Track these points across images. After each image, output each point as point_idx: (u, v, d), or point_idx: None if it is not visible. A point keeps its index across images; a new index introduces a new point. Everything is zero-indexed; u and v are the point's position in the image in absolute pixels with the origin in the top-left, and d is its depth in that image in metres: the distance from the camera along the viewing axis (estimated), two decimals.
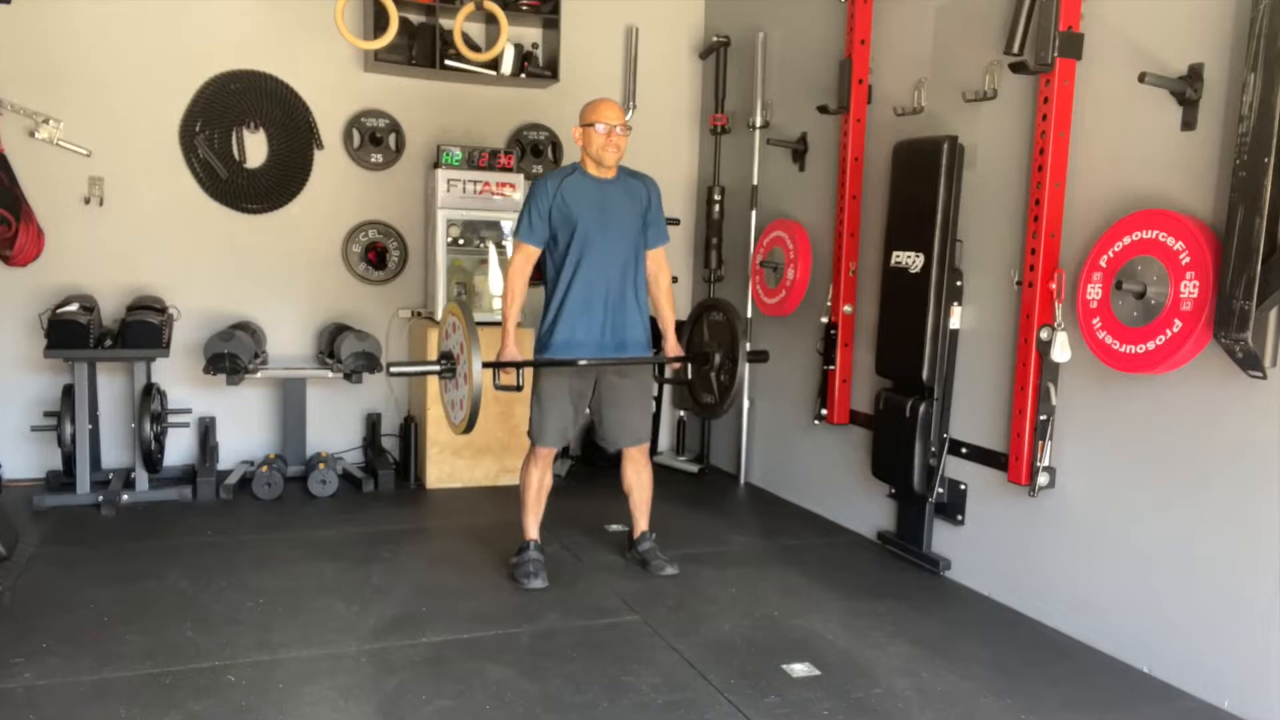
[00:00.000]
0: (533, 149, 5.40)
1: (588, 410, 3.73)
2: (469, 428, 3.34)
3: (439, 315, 4.87)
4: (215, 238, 4.95)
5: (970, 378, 3.70)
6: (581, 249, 3.52)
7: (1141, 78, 2.87)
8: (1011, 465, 3.42)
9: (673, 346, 3.80)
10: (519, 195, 4.86)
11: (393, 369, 3.50)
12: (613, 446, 3.77)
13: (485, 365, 3.28)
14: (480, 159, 4.95)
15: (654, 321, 3.83)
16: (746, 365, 3.57)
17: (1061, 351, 3.19)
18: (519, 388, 3.51)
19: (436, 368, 3.47)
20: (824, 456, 4.58)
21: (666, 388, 5.63)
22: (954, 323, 3.72)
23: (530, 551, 3.66)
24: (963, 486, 3.71)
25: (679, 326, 3.87)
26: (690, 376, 3.82)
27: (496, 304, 4.76)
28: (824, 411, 4.43)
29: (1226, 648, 2.79)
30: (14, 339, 4.68)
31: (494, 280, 4.99)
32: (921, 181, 3.71)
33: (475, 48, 5.01)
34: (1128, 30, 3.08)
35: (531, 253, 3.59)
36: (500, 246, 4.99)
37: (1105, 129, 3.17)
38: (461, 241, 4.96)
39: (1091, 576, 3.21)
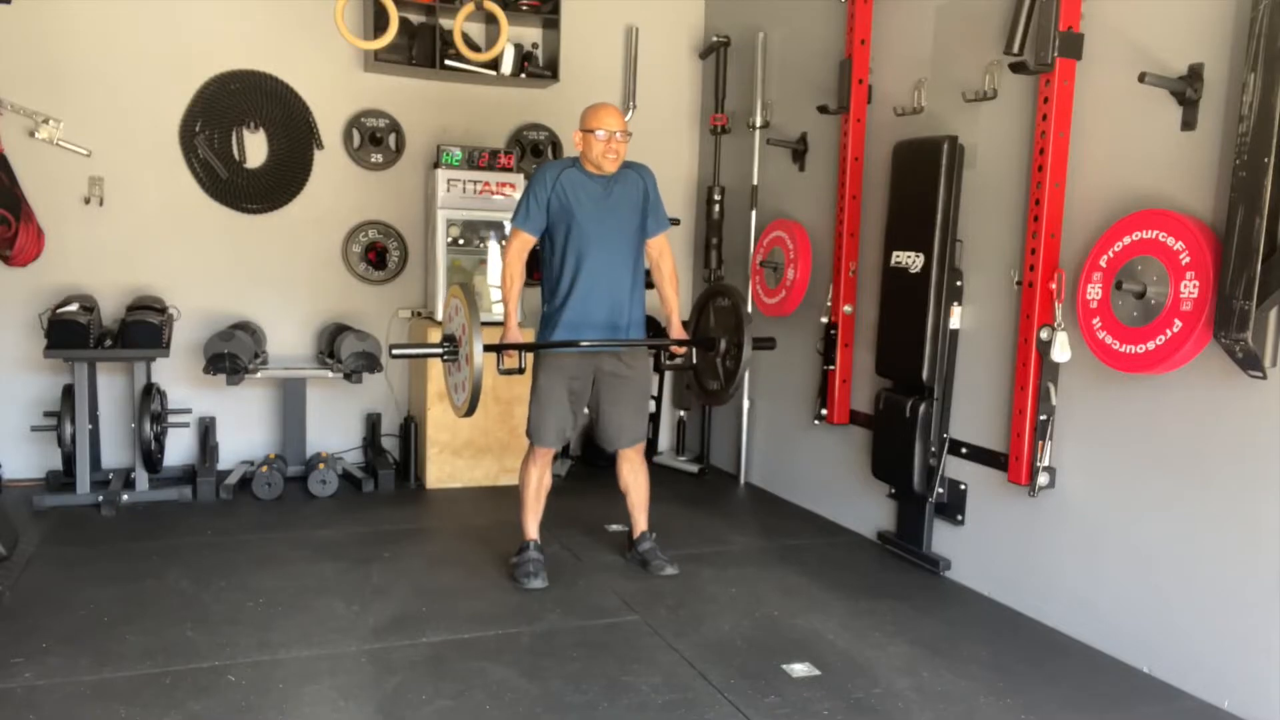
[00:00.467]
0: (533, 149, 5.40)
1: (586, 410, 3.73)
2: (470, 410, 3.34)
3: (439, 315, 4.87)
4: (215, 238, 4.95)
5: (970, 378, 3.70)
6: (581, 244, 3.53)
7: (1141, 78, 2.87)
8: (1011, 465, 3.42)
9: (678, 332, 3.77)
10: (519, 195, 4.85)
11: (395, 351, 3.50)
12: (610, 447, 3.77)
13: (487, 348, 3.28)
14: (480, 159, 4.95)
15: (652, 320, 3.82)
16: (751, 350, 3.55)
17: (1061, 351, 3.19)
18: (522, 370, 3.52)
19: (439, 350, 3.47)
20: (824, 456, 4.58)
21: (667, 387, 5.64)
22: (954, 323, 3.72)
23: (530, 551, 3.66)
24: (963, 486, 3.71)
25: (683, 322, 3.86)
26: (696, 362, 3.81)
27: (497, 309, 4.75)
28: (824, 411, 4.43)
29: (1226, 648, 2.79)
30: (14, 339, 4.68)
31: (495, 279, 4.98)
32: (921, 181, 3.71)
33: (475, 48, 5.01)
34: (1128, 30, 3.08)
35: (528, 240, 3.59)
36: (502, 246, 4.98)
37: (1105, 129, 3.17)
38: (461, 241, 4.96)
39: (1092, 576, 3.21)
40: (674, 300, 3.77)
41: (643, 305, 3.67)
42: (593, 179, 3.56)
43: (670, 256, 3.78)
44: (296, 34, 4.95)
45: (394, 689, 2.76)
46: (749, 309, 4.94)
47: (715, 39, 5.34)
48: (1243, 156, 2.60)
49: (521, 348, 3.53)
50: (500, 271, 3.71)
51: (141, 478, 4.53)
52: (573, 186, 3.54)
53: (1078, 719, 2.75)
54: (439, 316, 4.86)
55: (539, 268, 3.75)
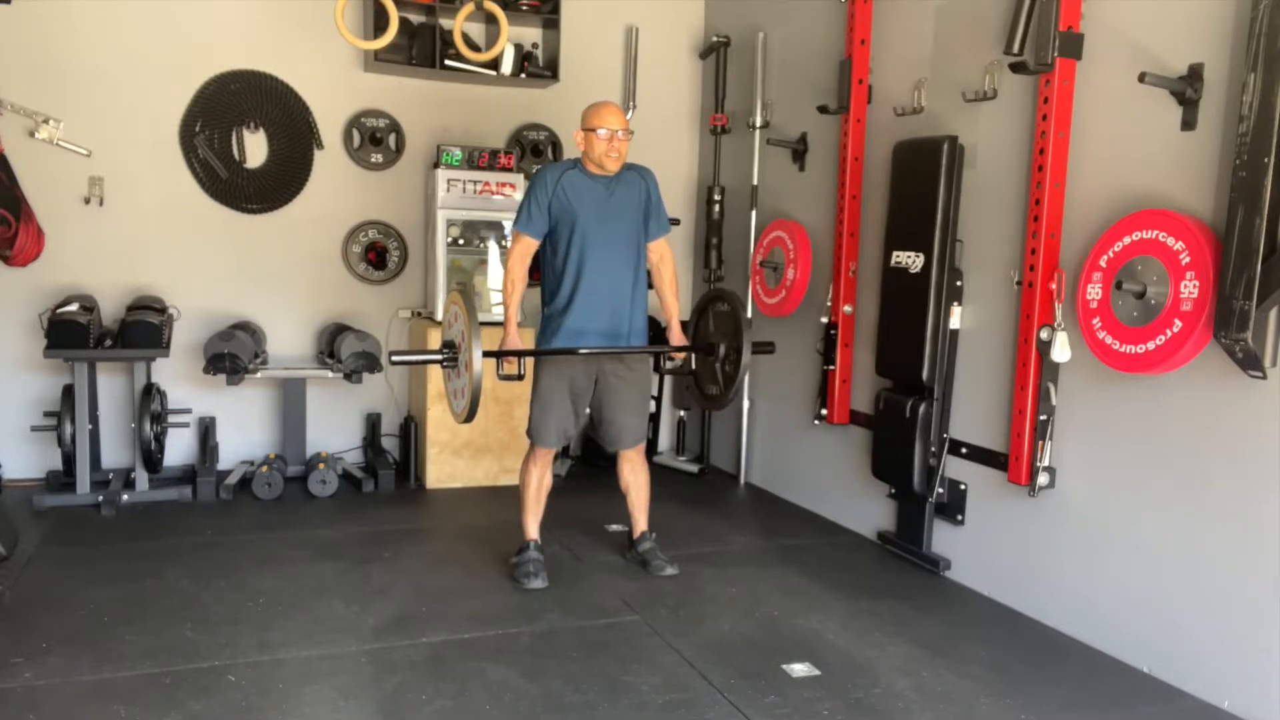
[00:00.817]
0: (533, 149, 5.40)
1: (587, 410, 3.73)
2: (469, 417, 3.34)
3: (439, 315, 4.87)
4: (215, 238, 4.95)
5: (970, 378, 3.70)
6: (582, 245, 3.52)
7: (1141, 78, 2.87)
8: (1011, 465, 3.42)
9: (677, 336, 3.78)
10: (519, 195, 4.86)
11: (394, 357, 3.50)
12: (611, 447, 3.77)
13: (486, 354, 3.28)
14: (480, 159, 4.95)
15: (653, 321, 3.81)
16: (750, 356, 3.55)
17: (1061, 351, 3.19)
18: (521, 376, 3.52)
19: (439, 356, 3.47)
20: (824, 456, 4.58)
21: (667, 387, 5.64)
22: (954, 323, 3.72)
23: (530, 551, 3.66)
24: (963, 486, 3.71)
25: (682, 324, 3.86)
26: (695, 367, 3.81)
27: (497, 311, 4.75)
28: (824, 411, 4.43)
29: (1226, 648, 2.79)
30: (14, 339, 4.68)
31: (494, 280, 4.98)
32: (921, 181, 3.71)
33: (475, 48, 5.01)
34: (1128, 30, 3.08)
35: (530, 244, 3.59)
36: (501, 246, 4.99)
37: (1105, 129, 3.17)
38: (461, 241, 4.96)
39: (1091, 576, 3.21)
40: (674, 304, 3.77)
41: (645, 308, 3.66)
42: (595, 180, 3.56)
43: (671, 260, 3.77)
44: (296, 34, 4.95)
45: (394, 689, 2.76)
46: (749, 310, 4.95)
47: (715, 39, 5.35)
48: (1243, 156, 2.60)
49: (521, 354, 3.52)
50: (503, 275, 3.69)
51: (141, 478, 4.53)
52: (574, 188, 3.53)
53: (1078, 719, 2.75)
54: (439, 317, 4.86)
55: (539, 269, 3.74)
